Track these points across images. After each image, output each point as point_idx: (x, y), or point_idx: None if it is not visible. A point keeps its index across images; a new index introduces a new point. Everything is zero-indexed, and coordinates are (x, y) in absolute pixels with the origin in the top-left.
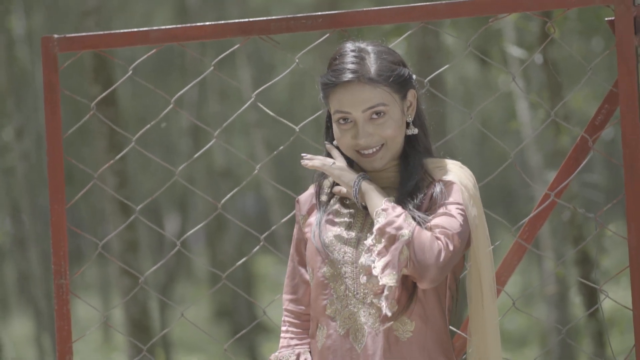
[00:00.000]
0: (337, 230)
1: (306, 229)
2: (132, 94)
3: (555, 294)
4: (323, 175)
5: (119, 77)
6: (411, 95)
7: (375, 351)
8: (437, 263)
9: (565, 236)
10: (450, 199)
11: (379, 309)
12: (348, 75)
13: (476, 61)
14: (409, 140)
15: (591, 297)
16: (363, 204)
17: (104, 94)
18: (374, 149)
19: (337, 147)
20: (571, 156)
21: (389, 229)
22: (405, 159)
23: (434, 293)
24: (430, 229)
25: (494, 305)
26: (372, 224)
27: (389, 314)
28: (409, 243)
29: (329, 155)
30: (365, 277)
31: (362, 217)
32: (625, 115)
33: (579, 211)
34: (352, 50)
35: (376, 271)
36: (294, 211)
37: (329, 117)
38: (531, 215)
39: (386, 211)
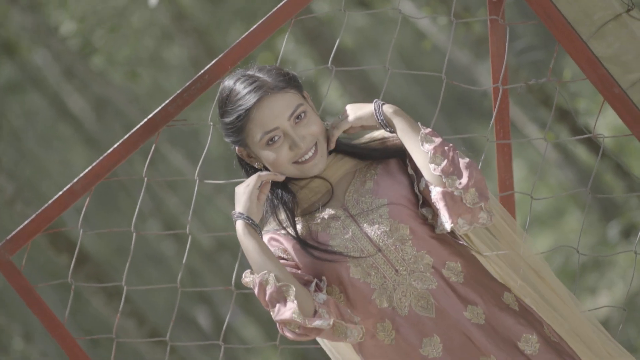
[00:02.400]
0: (334, 234)
1: (298, 258)
2: (98, 238)
3: (559, 157)
4: (272, 209)
5: (75, 236)
6: (305, 94)
7: (452, 304)
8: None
9: (534, 106)
10: None
11: (421, 270)
12: (256, 95)
13: (362, 13)
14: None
15: (591, 142)
16: (390, 129)
17: (72, 264)
18: (313, 150)
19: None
20: (492, 40)
21: (447, 148)
22: (336, 149)
23: (447, 235)
24: None
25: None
26: (347, 201)
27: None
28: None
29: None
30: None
31: (339, 203)
32: None
33: (530, 83)
34: (239, 79)
35: (460, 187)
36: None
37: (242, 160)
38: (494, 115)
39: (432, 133)
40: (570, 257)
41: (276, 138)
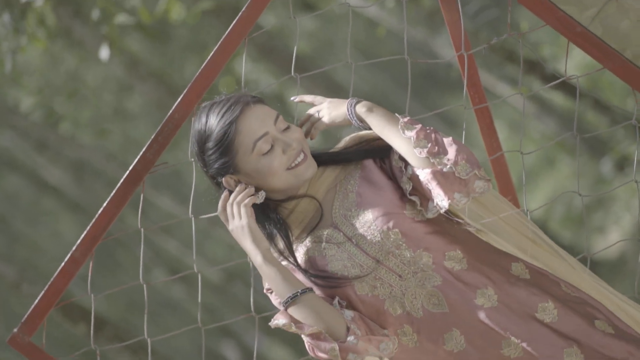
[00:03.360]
0: (331, 256)
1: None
2: (107, 298)
3: (536, 108)
4: (270, 238)
5: (86, 303)
6: None
7: (462, 294)
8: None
9: (499, 64)
10: None
11: (423, 269)
12: (238, 108)
13: (310, 17)
14: None
15: (565, 86)
16: (366, 127)
17: (92, 330)
18: (302, 155)
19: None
20: (445, 10)
21: (429, 130)
22: (317, 158)
23: (441, 217)
24: None
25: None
26: (335, 217)
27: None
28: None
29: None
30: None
31: (329, 222)
32: None
33: (492, 43)
34: (210, 108)
35: (449, 163)
36: None
37: (232, 192)
38: (465, 82)
39: (411, 121)
40: (572, 202)
41: (268, 146)
